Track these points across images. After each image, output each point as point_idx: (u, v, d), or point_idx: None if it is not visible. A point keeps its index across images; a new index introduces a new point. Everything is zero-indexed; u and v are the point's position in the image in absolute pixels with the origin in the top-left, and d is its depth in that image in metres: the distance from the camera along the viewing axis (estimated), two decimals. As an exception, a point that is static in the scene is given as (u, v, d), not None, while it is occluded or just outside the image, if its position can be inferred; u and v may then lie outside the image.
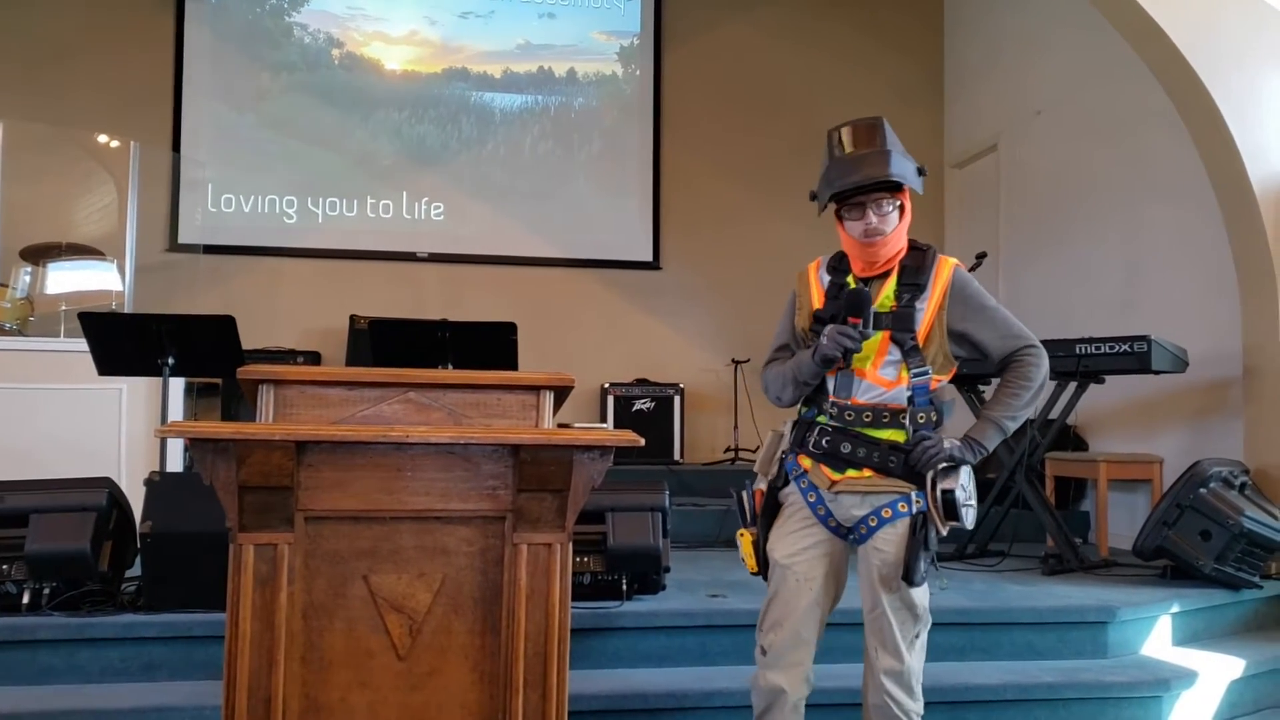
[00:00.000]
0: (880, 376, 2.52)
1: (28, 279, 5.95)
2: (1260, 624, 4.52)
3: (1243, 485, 4.63)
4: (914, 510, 2.49)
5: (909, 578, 2.46)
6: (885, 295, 2.54)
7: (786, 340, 2.72)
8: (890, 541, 2.50)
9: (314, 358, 7.16)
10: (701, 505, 5.99)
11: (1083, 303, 6.40)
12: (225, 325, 4.32)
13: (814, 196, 2.63)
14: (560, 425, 2.10)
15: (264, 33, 7.73)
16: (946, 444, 2.48)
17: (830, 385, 2.55)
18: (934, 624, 3.74)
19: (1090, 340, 4.84)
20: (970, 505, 2.47)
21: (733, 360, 7.62)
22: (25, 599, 3.45)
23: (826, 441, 2.54)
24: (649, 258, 8.00)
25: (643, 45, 8.17)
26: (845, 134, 2.56)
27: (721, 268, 7.95)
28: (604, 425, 7.20)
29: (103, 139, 6.99)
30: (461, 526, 1.98)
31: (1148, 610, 4.04)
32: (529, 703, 1.96)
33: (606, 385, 7.38)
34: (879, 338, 2.51)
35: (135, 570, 3.69)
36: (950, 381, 2.61)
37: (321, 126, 7.72)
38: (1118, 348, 4.75)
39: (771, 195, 8.08)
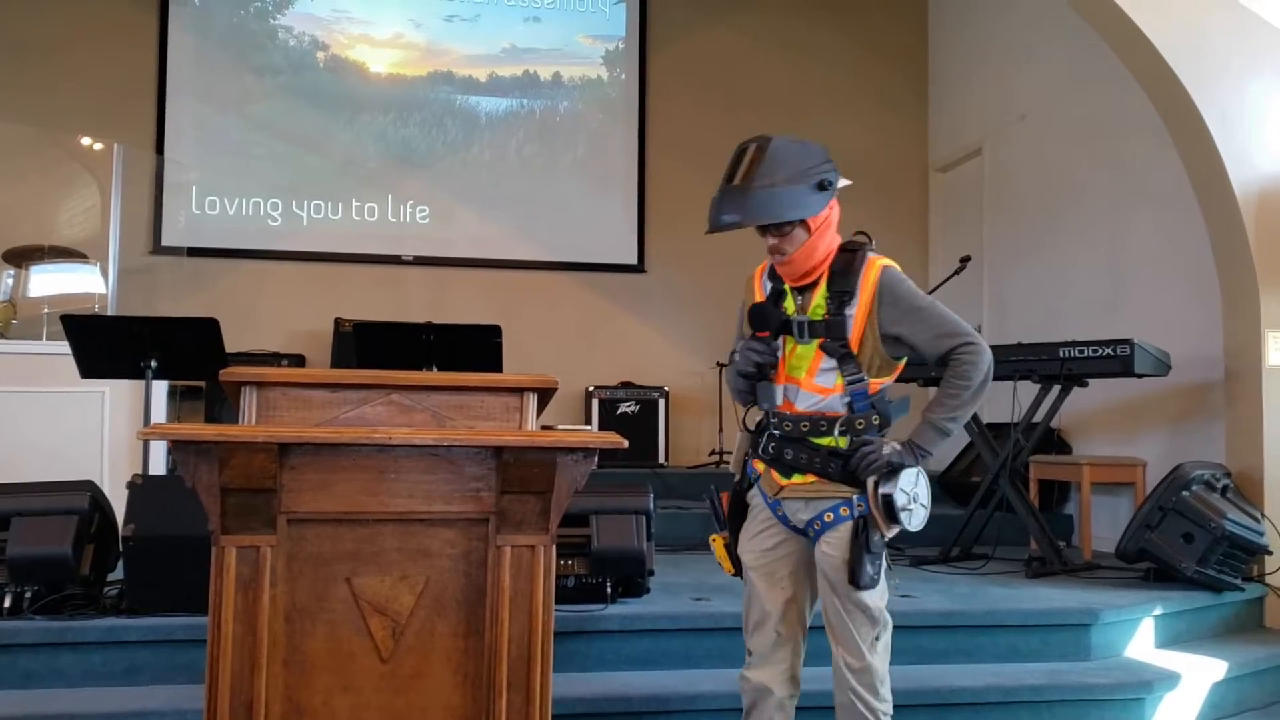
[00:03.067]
0: (817, 384, 2.54)
1: (10, 282, 5.92)
2: (1242, 626, 4.55)
3: (1225, 488, 4.66)
4: (855, 514, 2.50)
5: (854, 580, 2.47)
6: (816, 304, 2.56)
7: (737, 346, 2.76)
8: (834, 545, 2.52)
9: (298, 361, 7.13)
10: (686, 508, 5.99)
11: (1066, 306, 6.43)
12: (208, 328, 4.30)
13: None
14: (544, 427, 2.10)
15: (248, 35, 7.71)
16: (886, 449, 2.47)
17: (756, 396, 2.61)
18: (918, 627, 3.81)
19: (1073, 344, 4.86)
20: (910, 509, 2.47)
21: (717, 363, 7.62)
22: (6, 603, 3.43)
23: (773, 448, 2.58)
24: (634, 261, 8.01)
25: (628, 49, 8.18)
26: (731, 161, 2.59)
27: (706, 271, 7.94)
28: (588, 428, 7.20)
29: (86, 141, 6.95)
30: (444, 529, 1.97)
31: (1130, 613, 4.06)
32: (512, 705, 1.96)
33: (591, 388, 7.38)
34: (814, 346, 2.54)
35: (117, 574, 3.67)
36: (898, 380, 2.63)
37: (306, 129, 7.70)
38: (1101, 351, 4.78)
39: (757, 199, 8.08)
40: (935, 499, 7.06)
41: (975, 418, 5.39)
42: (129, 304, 6.42)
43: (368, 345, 4.76)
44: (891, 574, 2.65)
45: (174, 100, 7.48)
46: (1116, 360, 4.75)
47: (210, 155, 7.54)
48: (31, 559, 3.41)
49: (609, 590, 3.78)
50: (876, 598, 2.52)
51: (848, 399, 2.51)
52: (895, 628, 3.75)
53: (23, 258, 6.02)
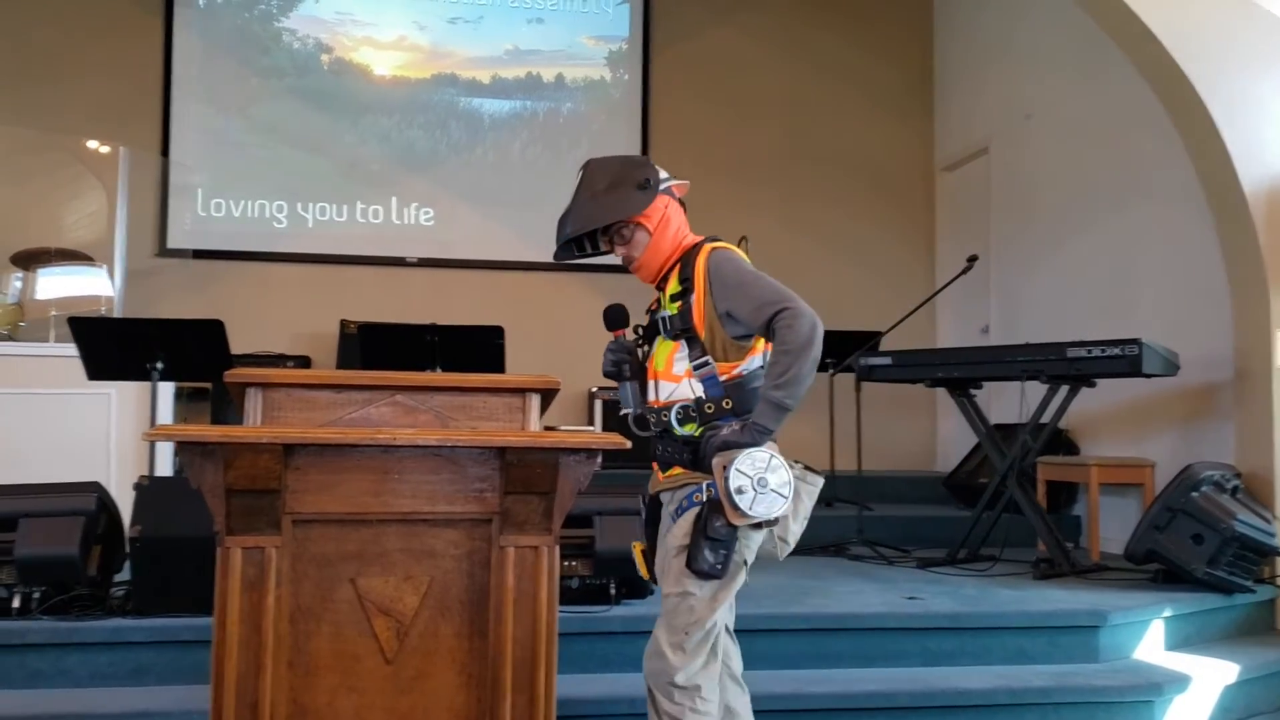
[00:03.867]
0: (673, 374, 2.56)
1: (18, 285, 5.94)
2: (1253, 628, 4.52)
3: (1234, 489, 4.63)
4: (706, 499, 2.41)
5: (690, 561, 2.37)
6: (669, 298, 2.61)
7: None
8: (678, 528, 2.48)
9: (304, 362, 7.14)
10: (693, 510, 5.96)
11: (1074, 306, 6.41)
12: (214, 329, 4.31)
13: None
14: (547, 428, 2.09)
15: (253, 38, 7.72)
16: (725, 430, 2.42)
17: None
18: (925, 629, 3.79)
19: (1081, 344, 4.84)
20: (749, 493, 2.31)
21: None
22: (15, 603, 3.45)
23: (652, 444, 2.61)
24: (639, 262, 7.99)
25: (631, 50, 8.17)
26: None
27: (712, 272, 7.93)
28: (591, 428, 7.19)
29: (92, 144, 6.96)
30: (448, 529, 1.96)
31: (1139, 614, 4.04)
32: (516, 707, 1.95)
33: (594, 389, 7.37)
34: (670, 339, 2.58)
35: (124, 574, 3.68)
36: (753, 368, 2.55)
37: (311, 132, 7.70)
38: (1108, 351, 4.75)
39: (757, 198, 8.08)
40: (941, 500, 7.00)
41: (983, 418, 5.37)
42: (135, 306, 6.44)
43: (372, 346, 4.76)
44: (738, 577, 2.46)
45: (179, 103, 7.50)
46: (1124, 360, 4.72)
47: (215, 158, 7.55)
48: (39, 560, 3.43)
49: (613, 591, 3.77)
50: (704, 592, 2.39)
51: (701, 385, 2.50)
52: (902, 630, 3.79)
53: (30, 260, 6.05)
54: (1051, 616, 3.93)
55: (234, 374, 2.00)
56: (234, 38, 7.67)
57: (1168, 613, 4.13)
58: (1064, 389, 4.95)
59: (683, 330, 2.54)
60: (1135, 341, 4.70)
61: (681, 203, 2.75)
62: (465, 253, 7.76)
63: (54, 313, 5.79)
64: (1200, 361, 5.23)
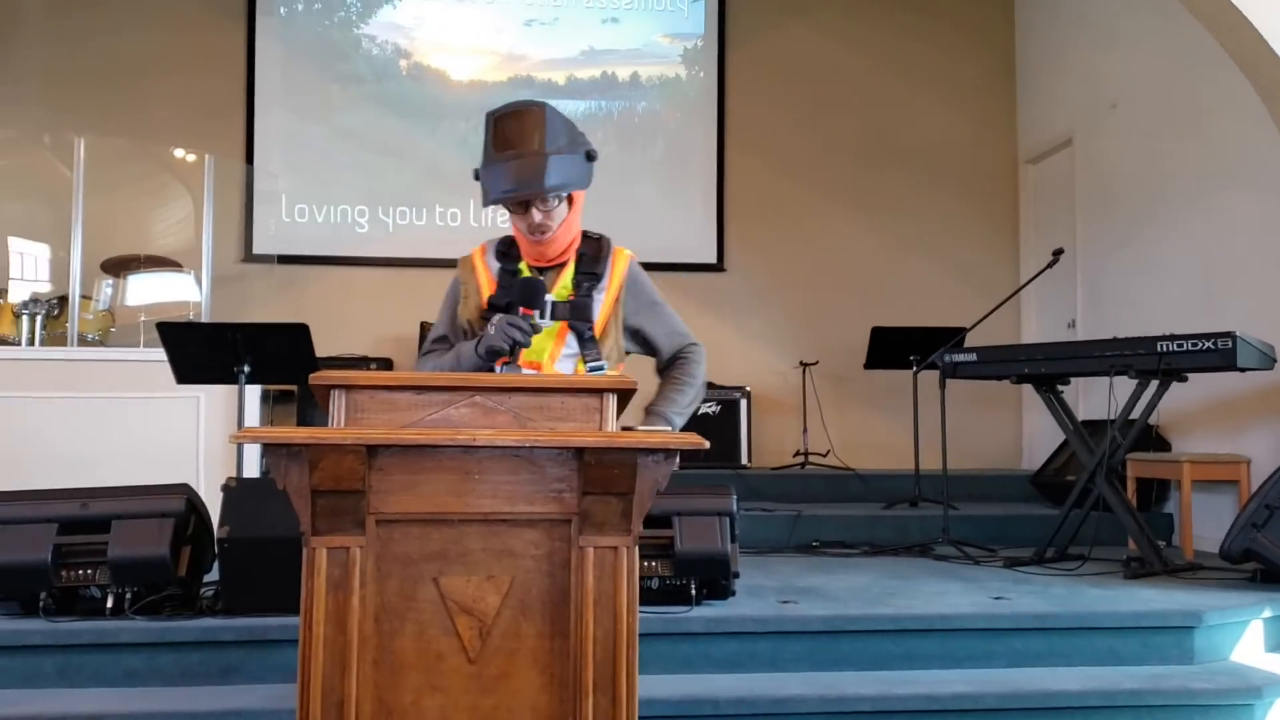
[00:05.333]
0: (558, 371, 2.40)
1: (109, 291, 6.13)
2: (1358, 630, 4.34)
3: (1337, 486, 4.46)
4: None
5: None
6: (562, 285, 2.45)
7: (445, 332, 2.62)
8: None
9: (386, 364, 7.25)
10: (770, 510, 5.94)
11: (1164, 299, 6.22)
12: (299, 333, 4.39)
13: (478, 176, 2.46)
14: (624, 428, 2.08)
15: (333, 45, 7.86)
16: None
17: None
18: (1013, 629, 3.71)
19: (1172, 338, 4.70)
20: None
21: (801, 362, 7.54)
22: (109, 603, 3.55)
23: None
24: (713, 260, 7.96)
25: (706, 47, 8.14)
26: (503, 127, 2.38)
27: (786, 269, 7.88)
28: (668, 428, 7.17)
29: (178, 153, 7.17)
30: (528, 529, 1.96)
31: (1237, 615, 3.91)
32: (599, 707, 1.94)
33: (673, 389, 7.35)
34: (556, 329, 2.42)
35: (213, 574, 3.77)
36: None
37: (390, 137, 7.82)
38: (1201, 345, 4.61)
39: (836, 195, 8.00)
40: (1028, 498, 6.89)
41: (1070, 414, 5.24)
42: (222, 311, 6.59)
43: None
44: None
45: (262, 111, 7.67)
46: (1218, 354, 4.57)
47: (298, 164, 7.71)
48: (131, 561, 3.52)
49: (694, 592, 3.76)
50: None
51: None
52: (990, 631, 3.72)
53: (120, 267, 6.24)
54: (1144, 617, 3.82)
55: (318, 377, 2.03)
56: (315, 45, 7.83)
57: (1267, 613, 3.99)
58: (1154, 384, 4.81)
59: (585, 325, 2.41)
60: (1229, 335, 4.55)
61: None
62: (541, 254, 7.80)
63: (143, 318, 5.97)
64: (1299, 354, 5.03)
